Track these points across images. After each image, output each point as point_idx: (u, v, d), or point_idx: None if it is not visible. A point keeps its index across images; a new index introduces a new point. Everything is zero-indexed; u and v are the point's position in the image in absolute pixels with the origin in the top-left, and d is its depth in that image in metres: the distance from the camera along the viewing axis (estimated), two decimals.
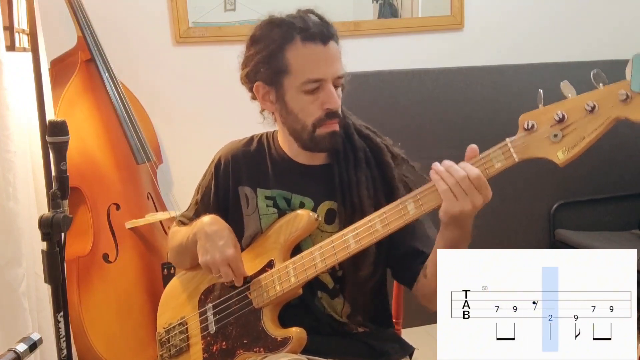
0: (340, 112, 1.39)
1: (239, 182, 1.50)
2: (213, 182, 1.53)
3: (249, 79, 1.43)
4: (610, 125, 1.11)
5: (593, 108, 1.11)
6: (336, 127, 1.38)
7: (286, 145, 1.48)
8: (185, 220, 1.60)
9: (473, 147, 1.21)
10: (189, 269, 1.57)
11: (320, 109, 1.36)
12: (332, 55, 1.36)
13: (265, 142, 1.53)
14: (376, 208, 1.32)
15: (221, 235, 1.41)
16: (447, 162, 1.20)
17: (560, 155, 1.14)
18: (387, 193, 1.40)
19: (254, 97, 1.45)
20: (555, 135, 1.14)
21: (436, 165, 1.21)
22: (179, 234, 1.56)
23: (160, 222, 2.41)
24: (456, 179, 1.17)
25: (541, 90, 1.17)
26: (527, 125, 1.17)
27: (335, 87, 1.38)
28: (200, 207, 1.56)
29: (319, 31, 1.34)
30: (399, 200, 1.28)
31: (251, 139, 1.56)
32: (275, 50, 1.35)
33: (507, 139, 1.19)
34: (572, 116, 1.13)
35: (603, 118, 1.10)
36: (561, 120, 1.14)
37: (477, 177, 1.16)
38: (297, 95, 1.36)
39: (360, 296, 1.43)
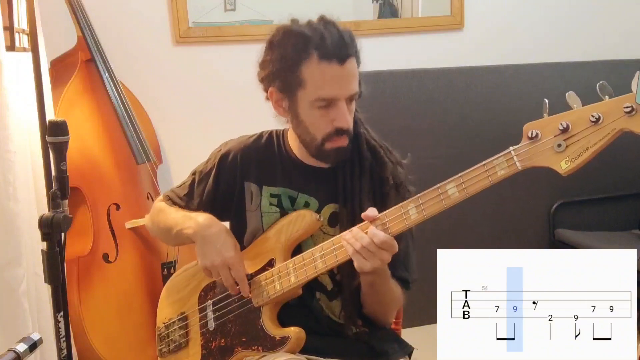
0: (350, 128, 1.38)
1: (246, 178, 1.49)
2: (214, 172, 1.52)
3: (264, 83, 1.42)
4: (615, 137, 1.11)
5: (598, 119, 1.11)
6: (344, 142, 1.37)
7: (295, 146, 1.48)
8: (175, 198, 1.58)
9: (370, 215, 1.29)
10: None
11: (330, 125, 1.35)
12: (348, 74, 1.33)
13: (274, 140, 1.52)
14: None
15: (219, 238, 1.42)
16: (354, 230, 1.30)
17: (564, 165, 1.15)
18: (384, 206, 1.37)
19: (268, 99, 1.44)
20: (559, 145, 1.15)
21: (344, 234, 1.32)
22: (167, 216, 1.55)
23: None
24: (362, 244, 1.27)
25: (546, 100, 1.16)
26: (532, 134, 1.17)
27: (349, 102, 1.36)
28: (196, 191, 1.55)
29: (336, 50, 1.30)
30: (400, 204, 1.28)
31: (260, 135, 1.55)
32: (292, 64, 1.33)
33: (511, 147, 1.19)
34: (577, 127, 1.13)
35: (608, 130, 1.11)
36: (565, 130, 1.14)
37: (383, 242, 1.26)
38: (309, 109, 1.35)
39: (357, 301, 1.44)
